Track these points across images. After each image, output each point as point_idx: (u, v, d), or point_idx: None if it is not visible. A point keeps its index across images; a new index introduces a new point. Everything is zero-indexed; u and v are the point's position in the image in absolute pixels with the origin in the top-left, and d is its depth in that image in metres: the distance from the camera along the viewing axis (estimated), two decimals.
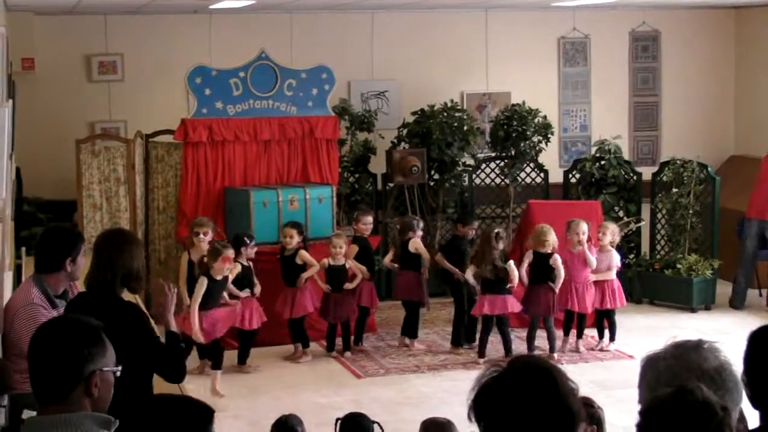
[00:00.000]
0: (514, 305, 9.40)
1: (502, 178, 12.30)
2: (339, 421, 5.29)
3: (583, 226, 9.62)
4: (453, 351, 9.80)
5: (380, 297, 10.36)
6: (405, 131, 11.74)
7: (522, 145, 11.85)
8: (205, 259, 8.73)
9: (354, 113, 11.67)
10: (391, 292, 10.71)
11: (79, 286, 5.29)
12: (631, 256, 11.58)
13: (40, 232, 5.52)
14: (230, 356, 9.02)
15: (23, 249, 8.08)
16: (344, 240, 9.72)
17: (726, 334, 9.69)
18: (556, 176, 12.32)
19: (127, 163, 10.52)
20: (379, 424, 5.27)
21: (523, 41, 12.65)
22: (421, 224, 10.19)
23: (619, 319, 9.98)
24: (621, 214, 11.60)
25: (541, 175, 12.36)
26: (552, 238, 9.44)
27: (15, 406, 4.44)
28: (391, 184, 11.46)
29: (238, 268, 9.02)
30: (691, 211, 11.36)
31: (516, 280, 9.34)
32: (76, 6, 10.40)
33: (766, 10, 12.69)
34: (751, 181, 11.39)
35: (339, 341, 9.83)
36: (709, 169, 11.55)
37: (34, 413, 3.14)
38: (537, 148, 11.94)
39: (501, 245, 9.40)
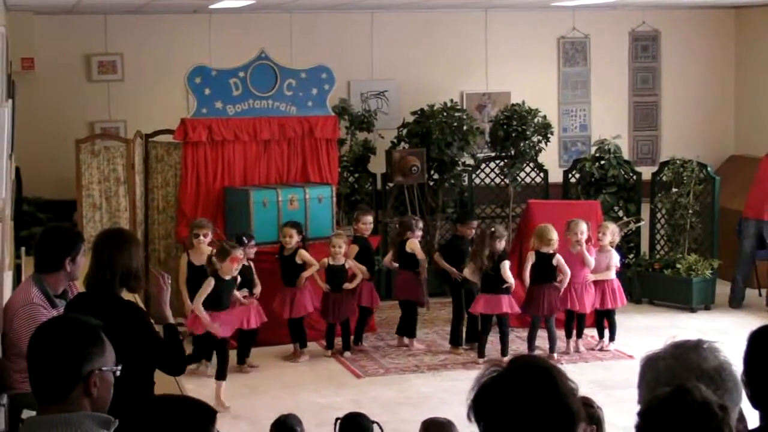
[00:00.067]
0: (510, 305, 9.38)
1: (502, 177, 12.30)
2: (339, 421, 5.29)
3: (582, 227, 9.62)
4: (452, 351, 9.81)
5: (380, 297, 10.35)
6: (405, 131, 11.74)
7: (522, 144, 11.85)
8: (214, 260, 8.72)
9: (354, 113, 11.67)
10: (391, 292, 10.71)
11: (79, 286, 5.29)
12: (631, 255, 11.58)
13: (40, 231, 5.52)
14: (230, 356, 9.00)
15: (23, 249, 8.08)
16: (344, 240, 9.72)
17: (726, 333, 9.69)
18: (555, 176, 12.33)
19: (126, 162, 10.51)
20: (378, 424, 5.27)
21: (523, 41, 12.65)
22: (421, 224, 10.19)
23: (618, 319, 9.98)
24: (621, 213, 11.60)
25: (541, 174, 12.36)
26: (556, 237, 9.45)
27: (15, 406, 4.44)
28: (391, 184, 11.46)
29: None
30: (690, 211, 11.36)
31: (510, 281, 9.33)
32: (76, 6, 10.40)
33: (766, 10, 12.69)
34: (750, 181, 11.40)
35: (339, 341, 9.83)
36: (709, 168, 11.55)
37: (34, 413, 3.14)
38: (537, 148, 11.94)
39: (499, 244, 9.37)
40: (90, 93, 11.62)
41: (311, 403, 8.34)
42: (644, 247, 11.88)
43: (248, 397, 8.62)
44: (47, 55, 11.23)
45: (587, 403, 4.13)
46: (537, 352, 9.39)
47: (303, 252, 9.56)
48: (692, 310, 11.04)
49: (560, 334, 9.69)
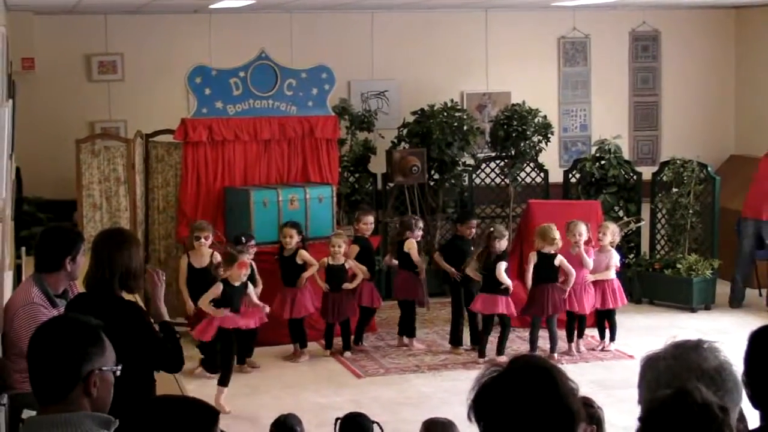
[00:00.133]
0: (506, 306, 9.35)
1: (502, 177, 12.30)
2: (338, 421, 5.29)
3: (581, 228, 9.61)
4: (453, 351, 9.81)
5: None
6: (405, 131, 11.74)
7: (522, 144, 11.85)
8: (221, 267, 8.72)
9: (354, 113, 11.67)
10: (391, 292, 10.71)
11: (79, 286, 5.29)
12: (631, 255, 11.58)
13: (40, 231, 5.52)
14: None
15: (23, 249, 8.08)
16: (344, 239, 9.72)
17: (726, 333, 9.69)
18: (556, 176, 12.32)
19: (127, 162, 10.51)
20: (378, 424, 5.27)
21: (523, 41, 12.65)
22: (421, 224, 10.18)
23: (619, 319, 9.97)
24: (621, 213, 11.60)
25: (541, 174, 12.36)
26: (559, 236, 9.45)
27: (15, 406, 4.44)
28: (391, 184, 11.45)
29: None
30: (691, 211, 11.36)
31: (505, 282, 9.31)
32: (76, 6, 10.40)
33: (766, 10, 12.69)
34: (751, 181, 11.39)
35: (339, 341, 9.83)
36: (709, 168, 11.55)
37: (34, 413, 3.14)
38: (537, 148, 11.94)
39: (498, 244, 9.36)
40: (90, 93, 11.62)
41: (312, 403, 8.35)
42: (644, 247, 11.88)
43: (249, 397, 8.62)
44: (47, 55, 11.23)
45: (587, 403, 4.13)
46: (537, 352, 9.39)
47: (303, 252, 9.56)
48: (692, 310, 11.04)
49: (561, 334, 9.68)
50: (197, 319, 9.13)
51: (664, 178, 11.60)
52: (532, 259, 9.50)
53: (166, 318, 5.05)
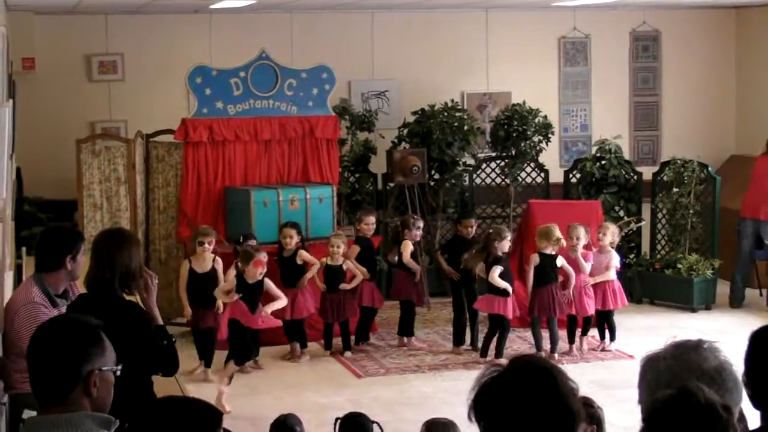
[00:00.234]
0: (503, 308, 9.32)
1: (503, 177, 12.30)
2: (338, 421, 5.29)
3: (579, 232, 9.59)
4: (455, 351, 9.79)
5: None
6: (405, 131, 11.74)
7: (522, 144, 11.85)
8: (239, 264, 8.73)
9: (354, 113, 11.67)
10: (391, 292, 10.71)
11: (80, 286, 5.29)
12: (632, 255, 11.58)
13: (40, 231, 5.53)
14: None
15: (24, 249, 8.07)
16: (343, 240, 9.71)
17: (726, 333, 9.69)
18: (556, 176, 12.32)
19: (127, 162, 10.51)
20: (378, 424, 5.27)
21: (524, 41, 12.65)
22: (419, 224, 10.16)
23: (619, 319, 9.97)
24: (621, 213, 11.60)
25: (542, 174, 12.36)
26: (561, 236, 9.44)
27: (16, 406, 4.44)
28: (392, 184, 11.45)
29: (234, 272, 9.01)
30: (691, 211, 11.36)
31: (499, 285, 9.29)
32: (77, 6, 10.40)
33: (766, 9, 12.69)
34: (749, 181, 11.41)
35: (339, 341, 9.83)
36: (710, 168, 11.55)
37: (35, 413, 3.14)
38: (537, 148, 11.95)
39: (498, 245, 9.33)
40: (91, 93, 11.62)
41: (312, 403, 8.34)
42: (645, 247, 11.88)
43: (249, 397, 8.62)
44: (48, 55, 11.23)
45: (587, 403, 4.13)
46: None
47: (303, 252, 9.56)
48: (693, 310, 11.04)
49: (562, 334, 9.68)
50: (196, 322, 9.13)
51: (665, 178, 11.59)
52: (534, 260, 9.49)
53: (160, 322, 5.05)
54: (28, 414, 3.50)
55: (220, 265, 9.17)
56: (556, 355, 9.43)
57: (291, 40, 11.89)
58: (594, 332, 9.97)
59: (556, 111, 12.74)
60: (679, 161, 11.49)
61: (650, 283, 11.40)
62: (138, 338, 4.75)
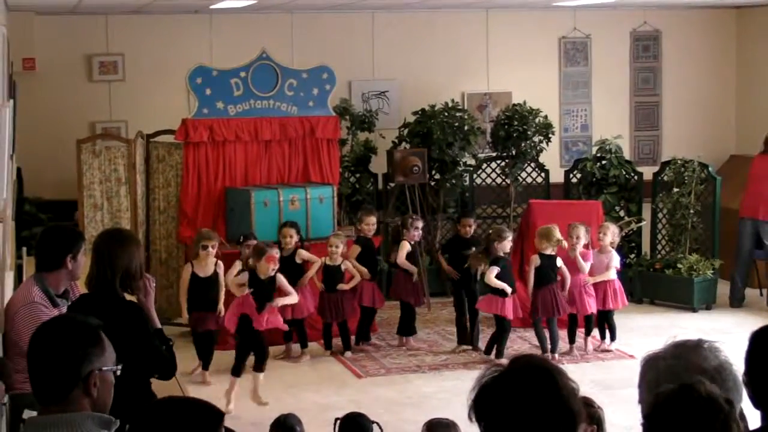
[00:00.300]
0: (501, 308, 9.32)
1: (503, 178, 12.31)
2: (338, 421, 5.29)
3: (579, 231, 9.58)
4: (458, 349, 9.78)
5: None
6: (406, 131, 11.74)
7: (523, 144, 11.86)
8: (250, 261, 8.73)
9: (355, 113, 11.68)
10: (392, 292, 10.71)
11: (80, 286, 5.28)
12: (632, 255, 11.58)
13: (40, 231, 5.53)
14: (230, 356, 8.98)
15: (24, 249, 8.08)
16: (342, 240, 9.70)
17: (727, 333, 9.69)
18: (556, 176, 12.32)
19: (128, 163, 10.51)
20: (378, 424, 5.27)
21: (524, 41, 12.65)
22: (419, 224, 10.15)
23: (619, 319, 9.97)
24: (622, 213, 11.60)
25: (542, 174, 12.36)
26: (561, 236, 9.45)
27: (16, 406, 4.44)
28: (392, 184, 11.45)
29: (238, 267, 9.02)
30: (692, 211, 11.36)
31: (495, 285, 9.29)
32: (77, 6, 10.41)
33: (766, 9, 12.69)
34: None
35: (340, 341, 9.83)
36: (710, 168, 11.55)
37: (35, 413, 3.14)
38: (538, 148, 11.95)
39: (498, 246, 9.33)
40: (91, 93, 11.63)
41: (312, 403, 8.35)
42: (645, 246, 11.88)
43: (249, 396, 8.61)
44: (48, 55, 11.24)
45: (588, 403, 4.13)
46: (537, 352, 9.38)
47: (302, 251, 9.56)
48: (693, 310, 11.04)
49: (562, 335, 9.68)
50: (196, 325, 9.11)
51: (665, 178, 11.60)
52: (534, 261, 9.48)
53: (158, 325, 5.04)
54: (28, 414, 3.50)
55: (221, 269, 9.18)
56: (556, 355, 9.43)
57: (291, 41, 11.90)
58: (594, 332, 9.97)
59: (557, 111, 12.75)
60: (679, 161, 11.49)
61: (650, 283, 11.40)
62: (138, 339, 4.75)
